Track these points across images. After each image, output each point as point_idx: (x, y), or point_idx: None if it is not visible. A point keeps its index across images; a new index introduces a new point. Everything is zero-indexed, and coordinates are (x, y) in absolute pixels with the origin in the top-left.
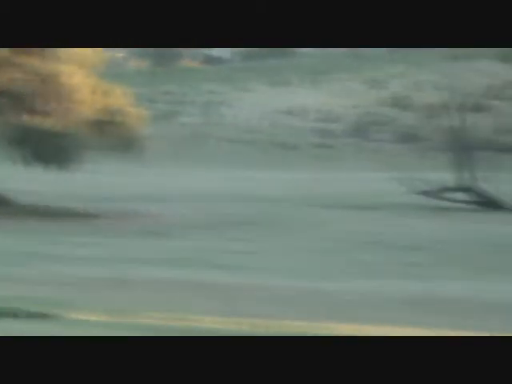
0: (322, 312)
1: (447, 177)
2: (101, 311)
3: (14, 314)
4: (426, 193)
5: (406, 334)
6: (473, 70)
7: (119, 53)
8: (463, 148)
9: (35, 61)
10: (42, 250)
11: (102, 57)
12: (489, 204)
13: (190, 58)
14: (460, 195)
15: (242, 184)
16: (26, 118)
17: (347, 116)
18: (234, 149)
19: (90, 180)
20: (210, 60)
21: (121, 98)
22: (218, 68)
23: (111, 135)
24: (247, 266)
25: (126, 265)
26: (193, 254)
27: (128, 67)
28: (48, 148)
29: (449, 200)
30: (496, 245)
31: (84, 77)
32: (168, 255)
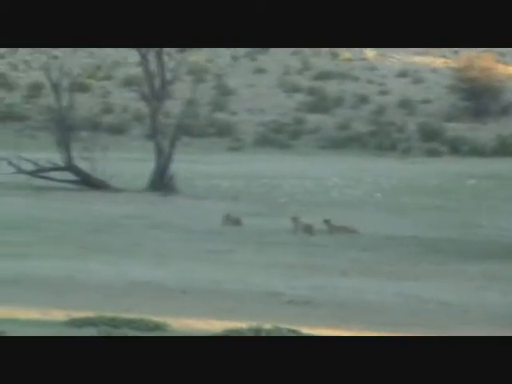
0: None
1: (48, 156)
2: None
3: None
4: (26, 172)
5: None
6: (78, 50)
7: None
8: (62, 127)
9: None
10: None
11: None
12: (87, 183)
13: None
14: (60, 174)
15: None
16: None
17: None
18: None
19: None
20: None
21: None
22: None
23: None
24: None
25: None
26: None
27: None
28: None
29: (49, 179)
30: (94, 223)
31: None
32: None
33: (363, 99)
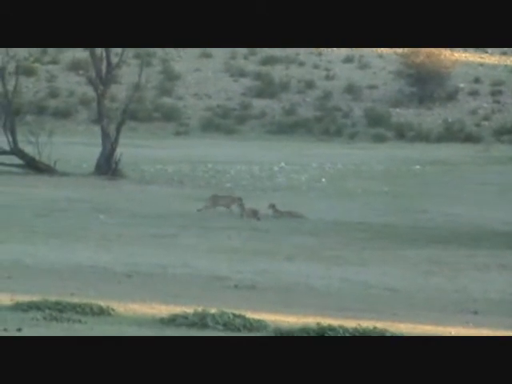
0: None
1: None
2: None
3: None
4: None
5: None
6: None
7: None
8: (7, 111)
9: None
10: None
11: None
12: (33, 167)
13: None
14: (5, 158)
15: None
16: None
17: None
18: None
19: None
20: None
21: None
22: None
23: None
24: None
25: None
26: None
27: None
28: None
29: None
30: (40, 208)
31: None
32: None
33: (309, 84)
